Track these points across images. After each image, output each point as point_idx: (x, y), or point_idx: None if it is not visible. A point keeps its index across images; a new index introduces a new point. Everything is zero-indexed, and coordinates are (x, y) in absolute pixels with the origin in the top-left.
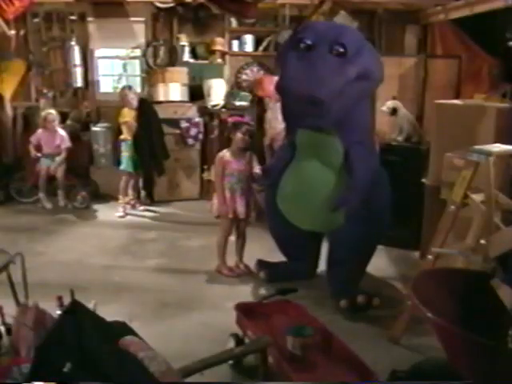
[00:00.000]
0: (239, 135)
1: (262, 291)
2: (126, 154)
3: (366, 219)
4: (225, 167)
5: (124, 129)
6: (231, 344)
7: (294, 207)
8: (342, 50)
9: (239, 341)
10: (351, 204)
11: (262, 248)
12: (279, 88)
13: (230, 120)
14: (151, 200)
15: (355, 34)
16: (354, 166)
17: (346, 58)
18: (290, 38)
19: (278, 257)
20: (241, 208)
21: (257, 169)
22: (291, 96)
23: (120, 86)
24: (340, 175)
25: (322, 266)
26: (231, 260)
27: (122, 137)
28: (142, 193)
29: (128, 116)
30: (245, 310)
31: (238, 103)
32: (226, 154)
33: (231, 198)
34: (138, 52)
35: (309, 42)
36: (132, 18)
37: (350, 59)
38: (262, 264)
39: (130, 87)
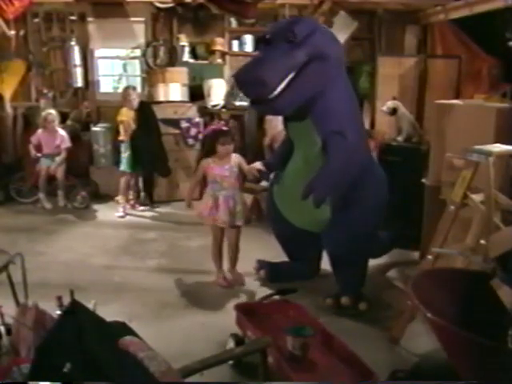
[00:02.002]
0: (219, 147)
1: (262, 291)
2: (125, 154)
3: (353, 217)
4: (207, 173)
5: (121, 128)
6: (231, 344)
7: (286, 204)
8: (291, 35)
9: (239, 341)
10: (319, 191)
11: (264, 249)
12: (235, 82)
13: (206, 131)
14: (151, 200)
15: (308, 22)
16: (328, 156)
17: (295, 43)
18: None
19: (279, 258)
20: (224, 216)
21: (258, 165)
22: (240, 86)
23: (121, 86)
24: (316, 169)
25: (323, 265)
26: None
27: (120, 138)
28: (142, 193)
29: (126, 115)
30: (245, 310)
31: (238, 103)
32: (208, 160)
33: (214, 205)
34: (137, 52)
35: (267, 36)
36: (132, 18)
37: (298, 43)
38: (262, 264)
39: (133, 88)
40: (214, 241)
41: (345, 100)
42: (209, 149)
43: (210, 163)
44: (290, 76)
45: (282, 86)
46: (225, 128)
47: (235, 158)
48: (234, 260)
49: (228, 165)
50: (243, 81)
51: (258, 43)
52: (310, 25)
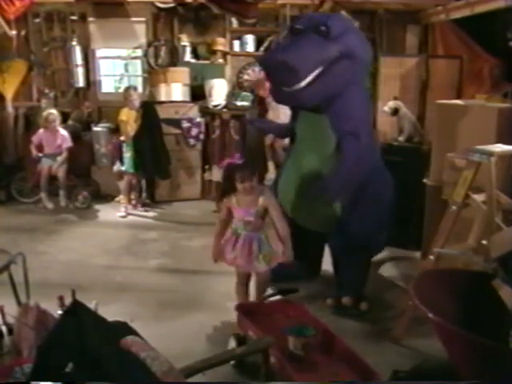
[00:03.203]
0: (238, 185)
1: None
2: (127, 154)
3: (363, 218)
4: (231, 210)
5: (121, 128)
6: (232, 344)
7: (292, 203)
8: (325, 29)
9: (241, 341)
10: (332, 190)
11: None
12: (261, 65)
13: (222, 165)
14: (153, 200)
15: (342, 19)
16: (342, 157)
17: (328, 38)
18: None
19: None
20: (240, 260)
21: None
22: (269, 67)
23: (122, 86)
24: (329, 167)
25: (324, 266)
26: None
27: (121, 138)
28: (144, 193)
29: (125, 116)
30: (246, 311)
31: (239, 103)
32: (232, 199)
33: (233, 242)
34: (139, 52)
35: (299, 26)
36: (133, 18)
37: (332, 38)
38: None
39: (135, 88)
40: (237, 279)
41: (362, 102)
42: (226, 187)
43: (234, 204)
44: (320, 69)
45: (311, 77)
46: (240, 161)
47: (264, 201)
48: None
49: (254, 209)
50: (272, 65)
51: (288, 31)
52: (345, 22)
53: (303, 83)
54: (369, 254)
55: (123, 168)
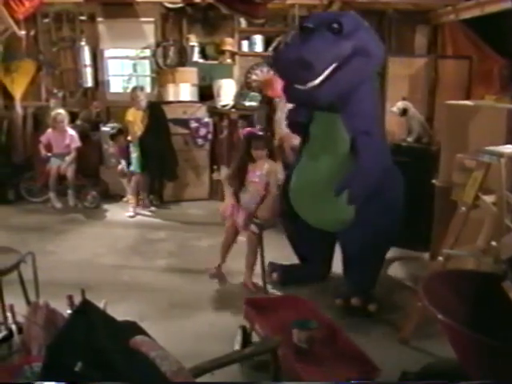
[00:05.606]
0: (253, 151)
1: (272, 292)
2: (134, 154)
3: (377, 218)
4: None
5: (128, 129)
6: (238, 336)
7: (304, 204)
8: (337, 26)
9: (246, 334)
10: (355, 187)
11: (274, 249)
12: (274, 63)
13: (242, 132)
14: (161, 200)
15: (353, 16)
16: (359, 155)
17: (341, 35)
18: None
19: (289, 257)
20: (240, 220)
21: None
22: (282, 64)
23: (130, 86)
24: (346, 167)
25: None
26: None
27: (128, 138)
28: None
29: (132, 116)
30: (253, 305)
31: (247, 103)
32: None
33: (236, 206)
34: (147, 52)
35: (310, 25)
36: (141, 19)
37: (345, 35)
38: (274, 266)
39: (141, 88)
40: (224, 240)
41: (374, 100)
42: (243, 151)
43: (247, 166)
44: (334, 65)
45: (326, 73)
46: (259, 132)
47: (269, 166)
48: (249, 267)
49: (259, 171)
50: (286, 62)
51: (298, 30)
52: (356, 20)
53: (318, 80)
54: (381, 255)
55: (132, 168)
